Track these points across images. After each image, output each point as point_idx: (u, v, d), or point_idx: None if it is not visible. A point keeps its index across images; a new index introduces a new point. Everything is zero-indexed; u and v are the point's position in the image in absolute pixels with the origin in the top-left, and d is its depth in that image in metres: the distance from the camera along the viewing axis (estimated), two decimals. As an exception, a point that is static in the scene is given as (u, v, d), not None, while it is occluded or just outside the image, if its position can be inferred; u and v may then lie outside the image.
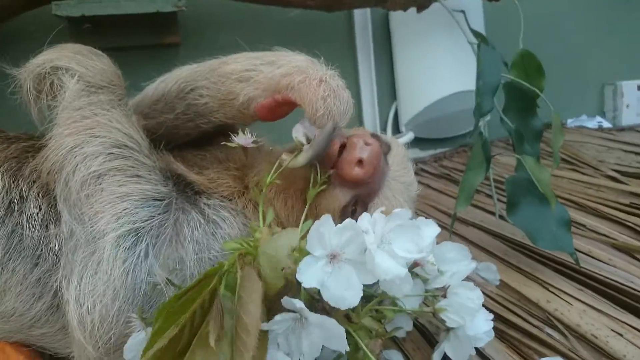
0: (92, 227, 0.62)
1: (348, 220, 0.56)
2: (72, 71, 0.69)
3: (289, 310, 0.56)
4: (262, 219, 0.64)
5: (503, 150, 1.52)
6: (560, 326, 0.78)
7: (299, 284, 0.59)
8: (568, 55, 1.96)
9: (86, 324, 0.59)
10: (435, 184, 1.42)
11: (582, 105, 2.03)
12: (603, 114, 2.08)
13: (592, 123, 1.97)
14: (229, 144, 0.69)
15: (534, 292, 0.87)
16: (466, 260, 0.69)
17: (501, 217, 1.08)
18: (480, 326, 0.66)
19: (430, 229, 0.66)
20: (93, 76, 0.70)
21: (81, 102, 0.69)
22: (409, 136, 1.57)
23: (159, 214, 0.65)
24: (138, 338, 0.57)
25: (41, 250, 0.66)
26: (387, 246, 0.58)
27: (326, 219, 0.56)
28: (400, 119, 1.64)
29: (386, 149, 0.78)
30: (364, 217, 0.58)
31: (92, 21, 1.12)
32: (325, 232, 0.55)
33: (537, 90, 0.91)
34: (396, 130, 1.64)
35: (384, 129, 1.64)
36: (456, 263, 0.69)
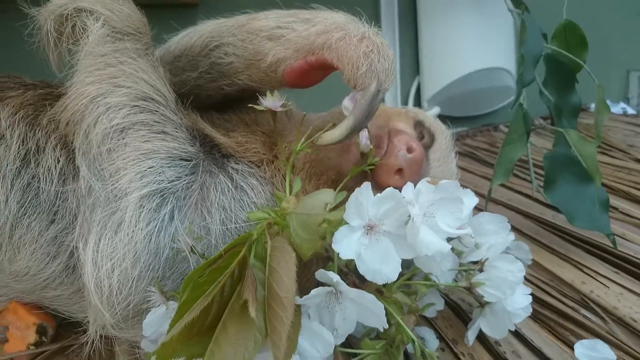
0: (113, 185, 0.58)
1: (390, 190, 0.52)
2: (97, 14, 0.64)
3: (323, 284, 0.52)
4: (289, 189, 0.61)
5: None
6: (596, 308, 0.75)
7: (328, 257, 0.56)
8: (593, 39, 1.88)
9: (104, 288, 0.55)
10: (459, 162, 1.35)
11: (606, 92, 1.97)
12: (627, 101, 2.03)
13: (616, 109, 1.92)
14: (255, 106, 0.63)
15: (568, 273, 0.83)
16: (504, 232, 0.65)
17: (529, 196, 1.04)
18: (518, 301, 0.63)
19: (467, 199, 0.62)
20: (119, 21, 0.65)
21: (106, 48, 0.64)
22: (434, 111, 1.52)
23: (186, 175, 0.60)
24: (158, 313, 0.54)
25: (58, 207, 0.62)
26: (430, 219, 0.54)
27: (366, 188, 0.51)
28: (423, 94, 1.59)
29: (429, 141, 0.73)
30: (408, 187, 0.54)
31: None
32: (364, 201, 0.51)
33: (581, 62, 0.86)
34: (418, 106, 1.60)
35: (405, 104, 1.59)
36: (494, 235, 0.65)
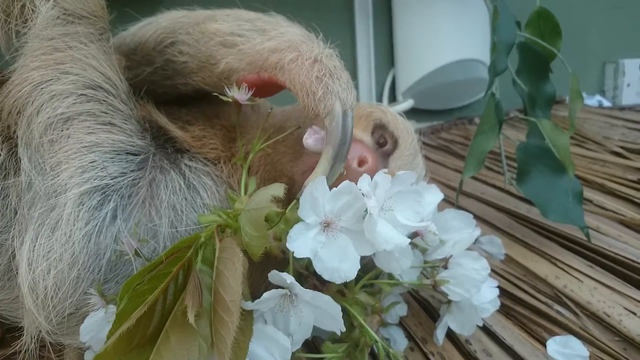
0: (53, 179, 0.53)
1: (346, 183, 0.48)
2: None
3: (277, 287, 0.49)
4: (244, 188, 0.57)
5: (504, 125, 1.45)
6: (570, 303, 0.73)
7: (286, 260, 0.53)
8: (569, 31, 1.87)
9: (38, 290, 0.51)
10: (433, 156, 1.35)
11: (581, 84, 1.95)
12: (603, 93, 2.02)
13: (592, 102, 1.92)
14: (221, 96, 0.59)
15: (541, 267, 0.81)
16: (470, 228, 0.63)
17: (502, 189, 1.02)
18: (484, 295, 0.61)
19: (432, 196, 0.59)
20: (72, 3, 0.60)
21: (55, 31, 0.59)
22: (407, 104, 1.49)
23: (132, 171, 0.56)
24: (96, 317, 0.50)
25: None
26: (388, 213, 0.51)
27: (321, 182, 0.48)
28: (398, 87, 1.56)
29: (392, 147, 0.68)
30: (364, 179, 0.50)
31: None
32: (319, 196, 0.48)
33: (554, 50, 0.84)
34: (393, 99, 1.57)
35: (380, 97, 1.56)
36: (459, 231, 0.63)
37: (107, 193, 0.54)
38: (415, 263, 0.62)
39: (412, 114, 1.60)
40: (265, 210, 0.46)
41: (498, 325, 0.69)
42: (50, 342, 0.57)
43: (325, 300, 0.48)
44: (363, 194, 0.49)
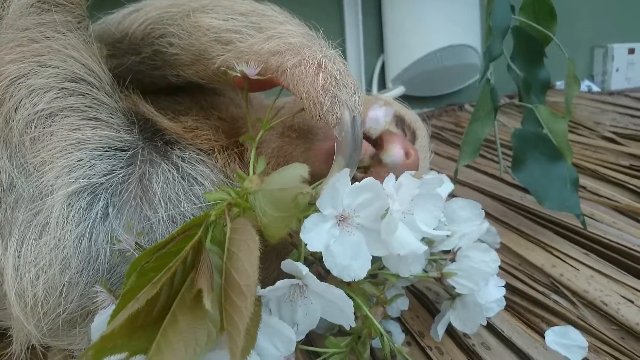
0: (37, 179, 0.51)
1: (369, 179, 0.46)
2: None
3: (288, 276, 0.47)
4: (253, 167, 0.54)
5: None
6: (567, 293, 0.72)
7: (292, 244, 0.51)
8: (557, 16, 1.88)
9: (27, 298, 0.49)
10: (423, 143, 1.33)
11: (570, 68, 1.96)
12: (592, 78, 2.02)
13: (581, 87, 1.91)
14: (229, 70, 0.56)
15: (537, 256, 0.80)
16: (478, 220, 0.61)
17: (496, 177, 1.01)
18: (491, 293, 0.59)
19: (443, 186, 0.57)
20: None
21: (29, 20, 0.56)
22: (398, 90, 1.47)
23: (122, 168, 0.54)
24: (107, 314, 0.46)
25: None
26: (408, 217, 0.49)
27: (344, 174, 0.45)
28: (387, 73, 1.54)
29: (412, 140, 0.69)
30: (390, 180, 0.48)
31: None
32: (341, 188, 0.45)
33: (550, 34, 0.82)
34: (382, 86, 1.55)
35: (369, 84, 1.54)
36: (467, 223, 0.61)
37: (96, 192, 0.52)
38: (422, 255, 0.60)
39: (402, 100, 1.58)
40: (296, 191, 0.43)
41: (496, 317, 0.67)
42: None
43: (337, 294, 0.47)
44: (387, 195, 0.47)
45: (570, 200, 0.80)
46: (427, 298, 0.71)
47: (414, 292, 0.73)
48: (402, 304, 0.62)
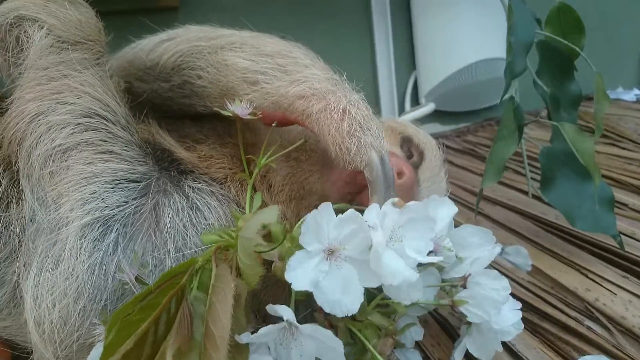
0: (55, 211, 0.53)
1: (350, 211, 0.46)
2: (41, 22, 0.59)
3: (277, 319, 0.47)
4: (250, 206, 0.55)
5: (532, 124, 1.39)
6: (602, 318, 0.68)
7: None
8: (603, 21, 1.81)
9: (45, 325, 0.51)
10: (458, 160, 1.30)
11: (618, 77, 1.88)
12: (641, 86, 1.92)
13: (629, 96, 1.82)
14: (221, 111, 0.58)
15: (570, 279, 0.77)
16: (489, 245, 0.59)
17: (532, 195, 0.97)
18: (507, 318, 0.57)
19: (444, 209, 0.56)
20: (65, 29, 0.60)
21: (49, 60, 0.59)
22: (428, 108, 1.45)
23: (134, 199, 0.55)
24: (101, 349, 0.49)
25: (0, 233, 0.58)
26: (397, 244, 0.48)
27: (326, 208, 0.46)
28: (420, 90, 1.52)
29: (418, 160, 0.69)
30: (372, 210, 0.48)
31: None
32: (324, 223, 0.45)
33: (576, 48, 0.79)
34: (415, 102, 1.53)
35: (402, 101, 1.52)
36: (478, 248, 0.59)
37: (109, 224, 0.53)
38: (432, 282, 0.58)
39: (436, 116, 1.56)
40: (254, 242, 0.43)
41: (522, 344, 0.65)
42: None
43: (325, 335, 0.46)
44: (369, 226, 0.46)
45: (605, 220, 0.76)
46: (449, 324, 0.69)
47: (436, 317, 0.71)
48: (416, 334, 0.60)
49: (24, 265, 0.55)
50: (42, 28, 0.59)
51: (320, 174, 0.61)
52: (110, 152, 0.57)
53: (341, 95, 0.56)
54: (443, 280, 0.59)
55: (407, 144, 0.69)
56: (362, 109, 0.56)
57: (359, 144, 0.52)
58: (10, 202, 0.59)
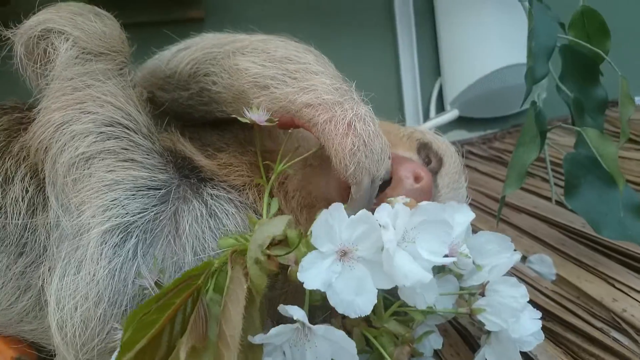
0: (77, 218, 0.55)
1: (362, 212, 0.47)
2: (67, 35, 0.61)
3: (289, 320, 0.47)
4: (266, 211, 0.56)
5: (559, 130, 1.36)
6: (629, 330, 0.66)
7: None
8: (634, 21, 1.76)
9: (66, 328, 0.52)
10: (483, 168, 1.29)
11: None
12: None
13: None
14: (240, 118, 0.59)
15: (596, 288, 0.74)
16: (508, 252, 0.58)
17: (558, 202, 0.95)
18: (526, 327, 0.55)
19: (462, 215, 0.55)
20: (90, 41, 0.62)
21: (74, 71, 0.61)
22: (451, 114, 1.43)
23: (154, 206, 0.57)
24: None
25: (27, 239, 0.60)
26: (410, 245, 0.48)
27: (337, 208, 0.46)
28: (445, 96, 1.50)
29: (437, 166, 0.69)
30: (383, 209, 0.48)
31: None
32: (335, 224, 0.46)
33: (601, 52, 0.77)
34: (440, 109, 1.52)
35: (426, 108, 1.51)
36: (496, 256, 0.58)
37: (129, 230, 0.55)
38: (450, 289, 0.58)
39: (462, 123, 1.54)
40: (259, 252, 0.44)
41: (544, 355, 0.63)
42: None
43: (338, 335, 0.46)
44: (380, 225, 0.46)
45: (632, 228, 0.74)
46: (470, 334, 0.68)
47: (456, 327, 0.70)
48: (435, 342, 0.60)
49: (49, 270, 0.57)
50: (67, 40, 0.61)
51: (324, 176, 0.62)
52: (132, 160, 0.58)
53: (348, 108, 0.56)
54: (461, 289, 0.58)
55: (425, 151, 0.69)
56: (368, 123, 0.56)
57: (356, 166, 0.54)
58: (37, 208, 0.61)
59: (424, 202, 0.49)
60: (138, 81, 0.75)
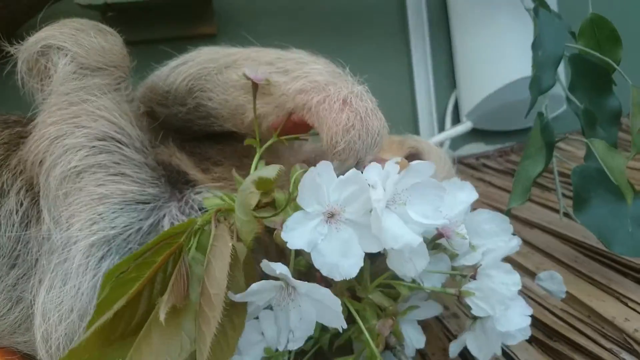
0: (66, 230, 0.55)
1: (352, 172, 0.46)
2: (65, 50, 0.62)
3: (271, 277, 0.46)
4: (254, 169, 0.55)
5: (578, 143, 1.32)
6: (641, 351, 0.62)
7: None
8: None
9: (51, 341, 0.52)
10: (498, 181, 1.25)
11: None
12: None
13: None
14: (240, 76, 0.59)
15: (609, 307, 0.71)
16: (505, 236, 0.56)
17: (568, 215, 0.92)
18: (514, 321, 0.53)
19: (464, 194, 0.54)
20: (88, 56, 0.63)
21: (70, 86, 0.62)
22: (464, 126, 1.40)
23: (141, 220, 0.57)
24: None
25: (19, 251, 0.61)
26: (400, 207, 0.46)
27: (325, 167, 0.45)
28: (461, 109, 1.48)
29: None
30: (373, 168, 0.47)
31: (117, 10, 1.08)
32: (324, 184, 0.45)
33: (611, 61, 0.75)
34: (457, 121, 1.49)
35: (442, 120, 1.48)
36: (493, 237, 0.56)
37: (113, 243, 0.55)
38: (442, 268, 0.56)
39: (479, 136, 1.51)
40: (250, 194, 0.43)
41: (549, 378, 0.60)
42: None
43: (323, 293, 0.45)
44: (369, 184, 0.45)
45: (644, 243, 0.71)
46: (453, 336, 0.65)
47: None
48: (418, 341, 0.58)
49: (39, 282, 0.57)
50: (66, 56, 0.62)
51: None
52: (122, 174, 0.58)
53: (342, 86, 0.55)
54: (453, 268, 0.57)
55: (415, 159, 0.66)
56: (365, 100, 0.54)
57: (347, 145, 0.51)
58: (30, 221, 0.61)
59: (416, 162, 0.47)
60: (138, 97, 0.75)
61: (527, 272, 0.82)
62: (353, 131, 0.52)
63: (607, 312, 0.70)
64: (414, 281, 0.54)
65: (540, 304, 0.74)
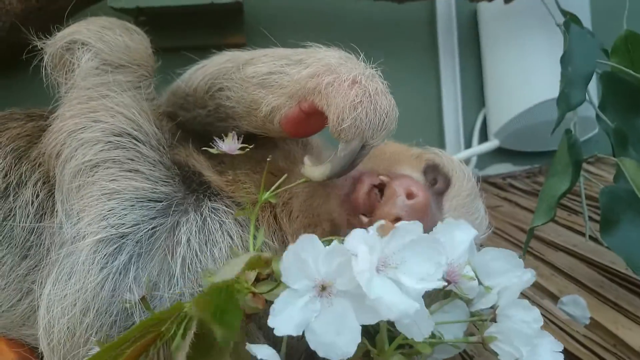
0: (76, 224, 0.55)
1: (334, 243, 0.43)
2: (89, 46, 0.63)
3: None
4: (252, 244, 0.54)
5: (608, 166, 1.28)
6: (669, 385, 0.59)
7: None
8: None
9: (52, 334, 0.52)
10: (525, 202, 1.22)
11: None
12: None
13: None
14: (209, 149, 0.58)
15: (635, 337, 0.67)
16: (518, 271, 0.53)
17: (595, 239, 0.88)
18: (545, 359, 0.50)
19: (462, 233, 0.51)
20: (111, 53, 0.64)
21: (91, 81, 0.63)
22: (490, 145, 1.38)
23: (152, 219, 0.56)
24: None
25: (32, 242, 0.61)
26: (392, 271, 0.44)
27: (307, 240, 0.43)
28: (489, 127, 1.45)
29: (444, 186, 0.64)
30: (355, 235, 0.44)
31: (149, 15, 1.10)
32: (309, 257, 0.42)
33: (645, 79, 0.72)
34: (484, 140, 1.46)
35: (469, 139, 1.46)
36: (505, 275, 0.53)
37: (123, 241, 0.54)
38: (460, 315, 0.53)
39: (507, 156, 1.48)
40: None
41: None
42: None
43: None
44: (352, 255, 0.42)
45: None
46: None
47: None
48: None
49: (47, 274, 0.57)
50: (90, 51, 0.63)
51: (325, 194, 0.59)
52: (136, 170, 0.58)
53: (353, 67, 0.54)
54: (472, 314, 0.53)
55: (434, 172, 0.64)
56: (376, 81, 0.53)
57: (353, 121, 0.50)
58: (45, 213, 0.62)
59: (402, 222, 0.45)
60: (163, 102, 0.76)
61: (550, 295, 0.79)
62: (360, 107, 0.50)
63: (634, 342, 0.66)
64: (433, 335, 0.50)
65: (562, 329, 0.71)
